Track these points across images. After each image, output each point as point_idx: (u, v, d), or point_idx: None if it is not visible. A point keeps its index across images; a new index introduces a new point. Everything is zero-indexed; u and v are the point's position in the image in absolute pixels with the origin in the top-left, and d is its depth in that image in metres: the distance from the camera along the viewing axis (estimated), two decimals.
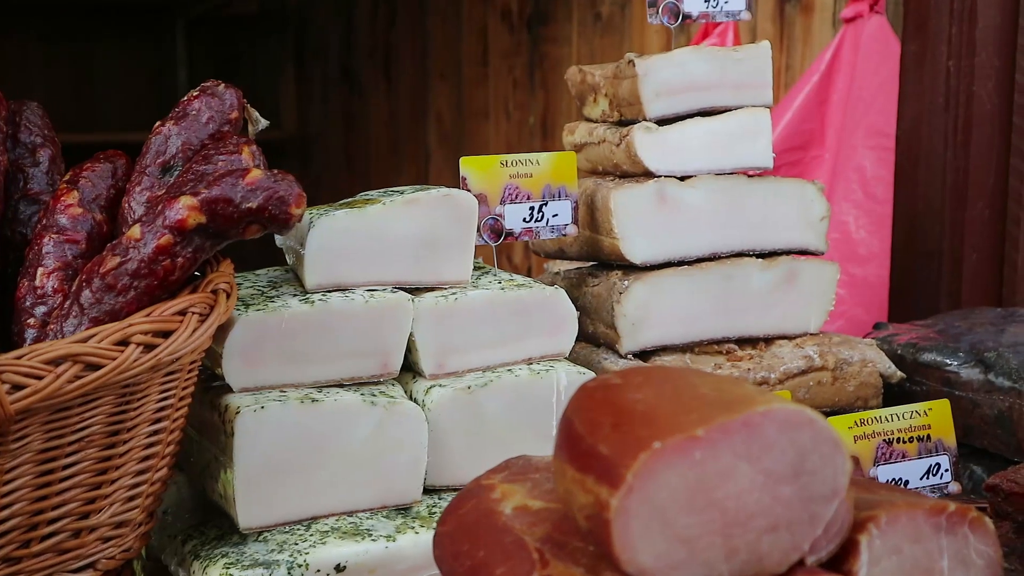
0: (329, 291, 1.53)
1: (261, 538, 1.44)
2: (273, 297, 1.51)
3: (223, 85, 1.48)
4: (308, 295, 1.51)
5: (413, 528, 1.47)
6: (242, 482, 1.42)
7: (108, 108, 6.52)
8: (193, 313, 1.29)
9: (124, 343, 1.23)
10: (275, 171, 1.30)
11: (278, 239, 1.62)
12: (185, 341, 1.27)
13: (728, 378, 1.11)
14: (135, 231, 1.28)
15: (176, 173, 1.43)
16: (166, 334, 1.27)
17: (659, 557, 0.89)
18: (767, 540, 0.92)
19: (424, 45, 5.31)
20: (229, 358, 1.45)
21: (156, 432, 1.32)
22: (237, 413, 1.41)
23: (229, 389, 1.47)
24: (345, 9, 6.02)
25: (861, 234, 2.80)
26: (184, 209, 1.27)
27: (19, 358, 1.17)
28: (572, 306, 1.65)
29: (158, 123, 1.46)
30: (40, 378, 1.17)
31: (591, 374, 1.63)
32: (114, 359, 1.22)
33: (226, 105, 1.47)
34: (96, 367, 1.21)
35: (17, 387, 1.16)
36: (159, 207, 1.29)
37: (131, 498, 1.33)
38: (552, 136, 4.37)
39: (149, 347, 1.25)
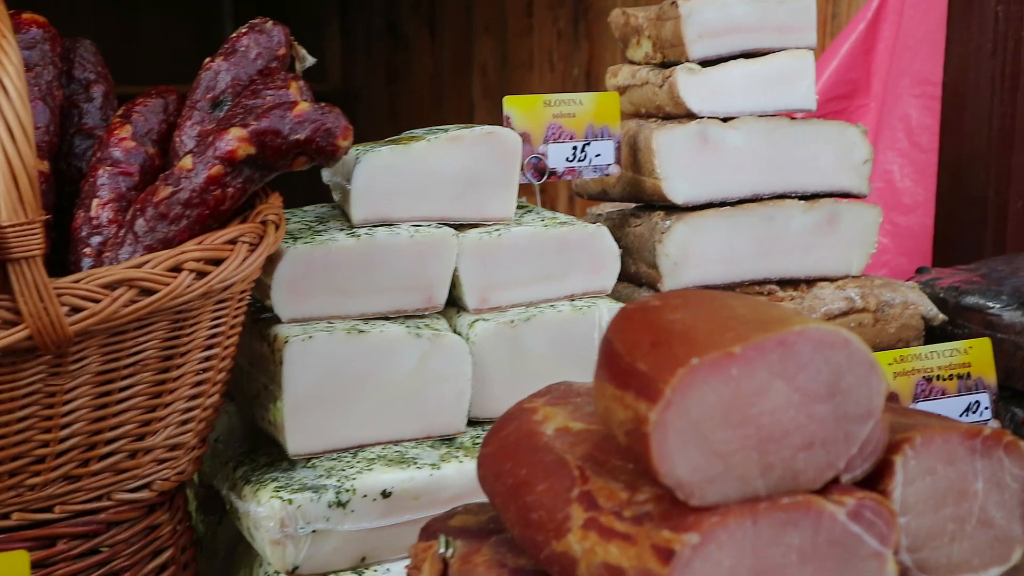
0: (375, 226, 1.56)
1: (309, 464, 1.48)
2: (320, 231, 1.54)
3: (271, 22, 1.50)
4: (354, 230, 1.54)
5: (457, 457, 1.50)
6: (291, 410, 1.46)
7: (155, 61, 6.57)
8: (243, 242, 1.32)
9: (177, 269, 1.27)
10: (322, 104, 1.33)
11: (325, 175, 1.64)
12: (236, 269, 1.30)
13: (764, 301, 1.13)
14: (186, 162, 1.32)
15: (226, 108, 1.45)
16: (217, 262, 1.30)
17: (696, 471, 0.91)
18: (802, 457, 0.94)
19: None
20: (278, 289, 1.48)
21: (208, 359, 1.36)
22: (286, 343, 1.45)
23: (278, 320, 1.51)
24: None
25: (906, 183, 2.79)
26: (234, 140, 1.30)
27: (76, 282, 1.21)
28: (614, 243, 1.67)
29: (208, 59, 1.49)
30: (97, 301, 1.21)
31: None
32: (167, 285, 1.25)
33: (274, 42, 1.49)
34: (150, 292, 1.25)
35: (76, 310, 1.20)
36: (210, 139, 1.32)
37: (184, 422, 1.37)
38: (597, 87, 4.36)
39: (201, 274, 1.28)
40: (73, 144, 1.50)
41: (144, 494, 1.36)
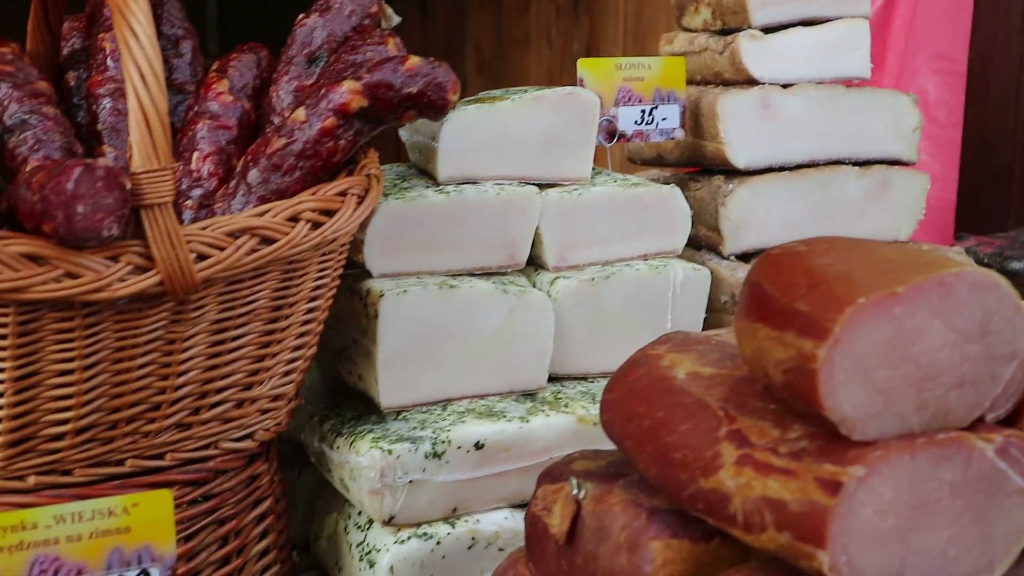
0: (459, 184, 1.58)
1: (401, 417, 1.50)
2: (407, 188, 1.56)
3: None
4: (442, 187, 1.56)
5: (543, 411, 1.53)
6: (384, 363, 1.47)
7: None
8: (352, 194, 1.34)
9: (294, 219, 1.28)
10: (432, 59, 1.34)
11: (404, 135, 1.66)
12: (347, 221, 1.32)
13: (907, 246, 1.16)
14: (299, 114, 1.33)
15: (322, 64, 1.47)
16: (329, 213, 1.32)
17: (858, 407, 0.94)
18: (954, 396, 0.98)
19: None
20: (371, 244, 1.50)
21: (311, 310, 1.37)
22: (381, 296, 1.46)
23: (366, 276, 1.52)
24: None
25: (923, 157, 2.85)
26: (348, 93, 1.32)
27: (203, 229, 1.22)
28: (686, 204, 1.70)
29: (301, 16, 1.50)
30: (222, 249, 1.22)
31: (705, 271, 1.69)
32: (286, 234, 1.27)
33: (367, 0, 1.50)
34: (270, 241, 1.26)
35: (202, 257, 1.21)
36: (322, 91, 1.33)
37: (287, 372, 1.38)
38: None
39: (316, 224, 1.30)
40: None
41: (247, 443, 1.37)
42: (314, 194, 1.31)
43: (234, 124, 1.43)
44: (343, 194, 1.33)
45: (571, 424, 1.52)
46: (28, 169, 1.20)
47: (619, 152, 2.07)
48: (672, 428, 1.09)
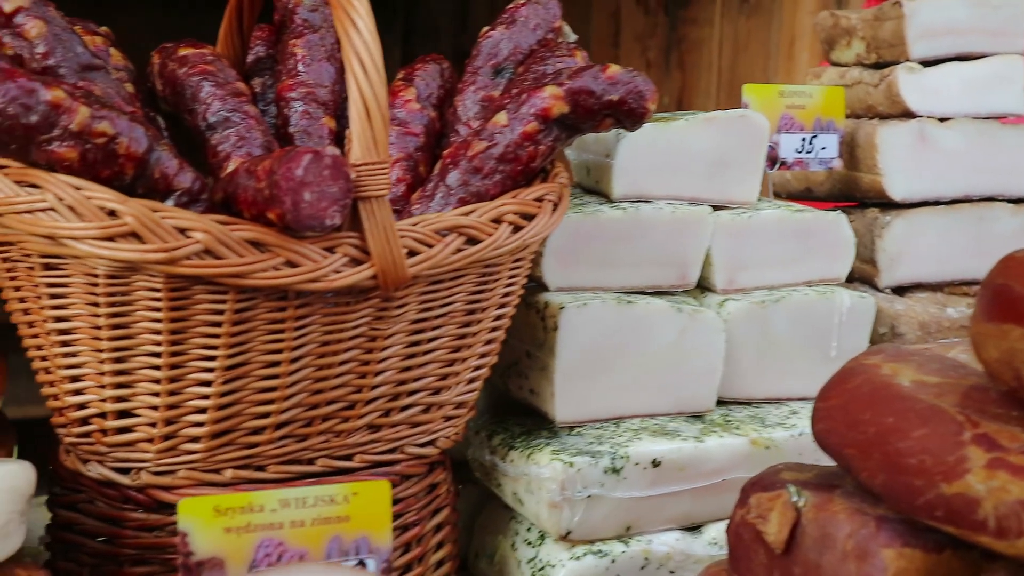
0: (632, 201, 1.57)
1: (575, 432, 1.48)
2: (582, 204, 1.55)
3: None
4: (617, 203, 1.55)
5: (715, 432, 1.50)
6: (562, 377, 1.46)
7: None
8: (548, 200, 1.33)
9: (498, 221, 1.28)
10: (630, 68, 1.34)
11: (571, 154, 1.66)
12: (545, 225, 1.31)
13: None
14: (501, 118, 1.33)
15: (507, 75, 1.47)
16: (528, 217, 1.31)
17: None
18: None
19: None
20: (549, 256, 1.49)
21: (499, 317, 1.36)
22: (561, 309, 1.45)
23: (541, 289, 1.51)
24: (461, 8, 6.07)
25: None
26: (549, 98, 1.32)
27: (414, 225, 1.21)
28: (851, 232, 1.68)
29: (486, 28, 1.51)
30: (430, 246, 1.22)
31: (871, 299, 1.66)
32: (490, 235, 1.26)
33: (550, 14, 1.51)
34: (474, 241, 1.26)
35: (411, 253, 1.21)
36: (523, 96, 1.33)
37: (471, 380, 1.37)
38: None
39: (516, 228, 1.29)
40: (344, 107, 1.51)
41: (429, 450, 1.36)
42: (515, 197, 1.30)
43: (421, 131, 1.44)
44: (540, 200, 1.32)
45: (744, 446, 1.49)
46: (243, 163, 1.20)
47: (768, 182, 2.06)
48: (904, 434, 1.06)
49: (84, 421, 1.22)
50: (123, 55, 1.41)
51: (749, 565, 1.18)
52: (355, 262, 1.17)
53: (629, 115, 1.34)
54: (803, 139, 1.79)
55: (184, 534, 1.02)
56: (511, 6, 1.52)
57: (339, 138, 1.46)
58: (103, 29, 1.44)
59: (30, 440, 1.42)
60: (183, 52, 1.38)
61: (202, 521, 1.02)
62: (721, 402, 1.61)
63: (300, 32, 1.45)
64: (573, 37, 1.57)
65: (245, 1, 1.45)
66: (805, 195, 2.01)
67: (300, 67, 1.43)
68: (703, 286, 1.64)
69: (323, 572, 0.97)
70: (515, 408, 1.60)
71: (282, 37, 1.48)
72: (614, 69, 1.33)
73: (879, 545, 1.05)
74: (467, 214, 1.25)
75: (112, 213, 1.10)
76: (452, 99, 1.49)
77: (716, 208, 1.63)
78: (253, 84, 1.50)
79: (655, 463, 1.44)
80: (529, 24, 1.50)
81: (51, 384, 1.23)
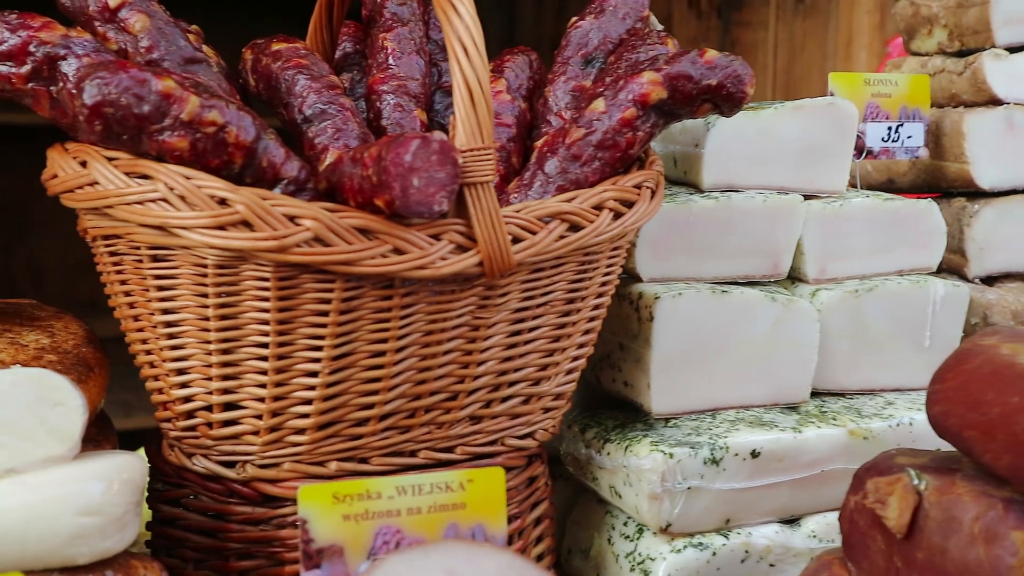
0: (722, 191, 1.55)
1: (671, 424, 1.46)
2: (672, 194, 1.54)
3: None
4: (708, 192, 1.54)
5: (812, 423, 1.48)
6: (657, 368, 1.44)
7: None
8: (647, 187, 1.32)
9: (599, 208, 1.26)
10: (727, 53, 1.33)
11: (655, 146, 1.64)
12: (644, 212, 1.30)
13: None
14: (598, 104, 1.32)
15: (598, 65, 1.46)
16: (628, 204, 1.30)
17: None
18: None
19: None
20: (642, 247, 1.48)
21: (597, 306, 1.35)
22: (656, 299, 1.44)
23: (633, 281, 1.50)
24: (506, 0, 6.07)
25: None
26: (648, 84, 1.30)
27: (518, 212, 1.20)
28: (943, 220, 1.66)
29: (575, 18, 1.50)
30: (534, 233, 1.21)
31: (965, 288, 1.63)
32: (591, 222, 1.25)
33: (639, 3, 1.50)
34: (577, 228, 1.25)
35: (516, 239, 1.20)
36: (620, 83, 1.32)
37: (570, 371, 1.36)
38: None
39: (617, 215, 1.28)
40: (434, 100, 1.51)
41: (528, 442, 1.34)
42: (614, 184, 1.29)
43: (512, 122, 1.43)
44: (639, 187, 1.31)
45: (842, 437, 1.47)
46: (347, 152, 1.20)
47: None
48: None
49: (190, 415, 1.22)
50: (215, 52, 1.42)
51: (866, 552, 1.16)
52: (461, 249, 1.16)
53: (727, 99, 1.32)
54: (889, 128, 1.77)
55: (304, 521, 1.01)
56: None
57: (429, 131, 1.45)
58: (193, 27, 1.44)
59: None
60: (276, 47, 1.38)
61: (321, 508, 1.02)
62: (814, 393, 1.58)
63: (390, 26, 1.45)
64: (659, 27, 1.56)
65: None
66: (887, 186, 1.98)
67: (391, 60, 1.42)
68: (793, 276, 1.62)
69: (466, 550, 0.95)
70: (604, 401, 1.58)
71: (371, 32, 1.47)
72: (712, 54, 1.32)
73: (1008, 527, 1.03)
74: (568, 200, 1.24)
75: (223, 202, 1.09)
76: (542, 90, 1.48)
77: (806, 197, 1.61)
78: (342, 79, 1.50)
79: (754, 454, 1.42)
80: (618, 13, 1.48)
81: (156, 378, 1.23)
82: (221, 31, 2.01)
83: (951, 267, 1.83)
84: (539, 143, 1.36)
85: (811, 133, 1.59)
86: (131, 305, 1.21)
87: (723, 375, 1.49)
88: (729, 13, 4.46)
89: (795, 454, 1.44)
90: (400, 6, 1.47)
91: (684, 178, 1.60)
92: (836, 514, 1.47)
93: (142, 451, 1.34)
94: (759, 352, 1.50)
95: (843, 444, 1.47)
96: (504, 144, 1.41)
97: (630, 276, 1.51)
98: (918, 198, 1.77)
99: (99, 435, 1.24)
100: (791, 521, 1.48)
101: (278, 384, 1.18)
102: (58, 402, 1.05)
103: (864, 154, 1.76)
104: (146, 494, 1.33)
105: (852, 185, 1.75)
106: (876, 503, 1.13)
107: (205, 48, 1.40)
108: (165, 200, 1.10)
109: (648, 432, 1.44)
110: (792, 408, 1.54)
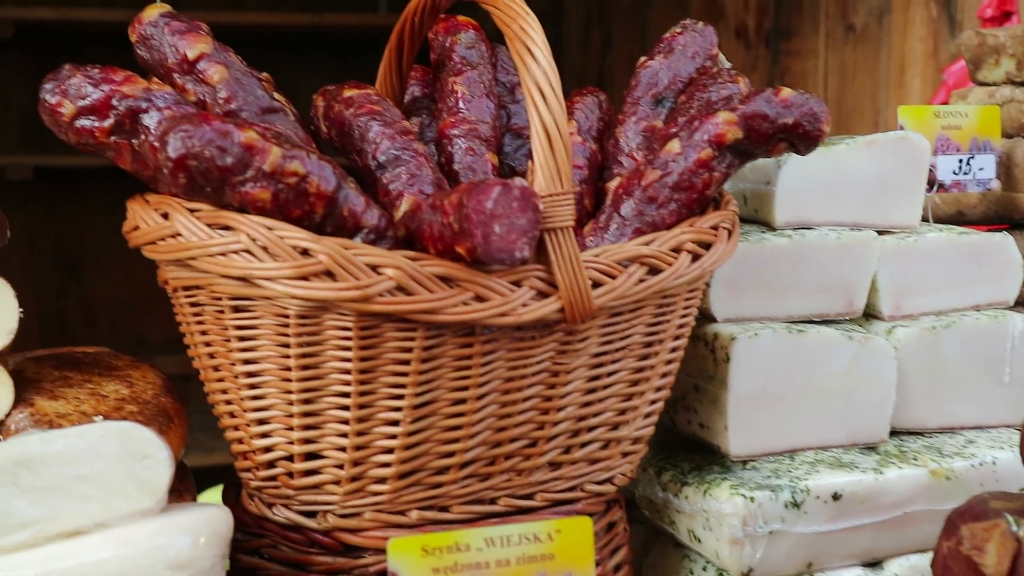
0: (794, 228, 1.54)
1: (750, 466, 1.44)
2: (744, 233, 1.52)
3: (702, 23, 1.50)
4: (782, 230, 1.52)
5: (893, 463, 1.46)
6: (735, 409, 1.43)
7: None
8: (724, 228, 1.31)
9: (677, 250, 1.25)
10: (802, 91, 1.32)
11: (725, 184, 1.63)
12: (722, 254, 1.29)
13: None
14: (674, 145, 1.31)
15: (668, 104, 1.45)
16: (705, 246, 1.29)
17: None
18: None
19: None
20: (716, 287, 1.46)
21: (674, 349, 1.34)
22: (733, 340, 1.42)
23: (707, 321, 1.48)
24: (552, 33, 6.09)
25: None
26: (724, 124, 1.29)
27: (596, 256, 1.19)
28: (1019, 254, 1.63)
29: (644, 58, 1.49)
30: (614, 277, 1.20)
31: None
32: (670, 264, 1.24)
33: (707, 41, 1.49)
34: (656, 271, 1.23)
35: (596, 284, 1.19)
36: (694, 123, 1.31)
37: (648, 414, 1.34)
38: None
39: (695, 257, 1.27)
40: (504, 143, 1.50)
41: (607, 488, 1.33)
42: (692, 225, 1.28)
43: (584, 164, 1.42)
44: (715, 228, 1.30)
45: (924, 477, 1.44)
46: (427, 199, 1.20)
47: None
48: None
49: (271, 464, 1.21)
50: (286, 99, 1.42)
51: None
52: (542, 295, 1.15)
53: (804, 138, 1.31)
54: (960, 160, 1.75)
55: (394, 574, 1.00)
56: (667, 35, 1.50)
57: (499, 174, 1.45)
58: (264, 75, 1.45)
59: None
60: (348, 93, 1.38)
61: (411, 561, 1.01)
62: (892, 432, 1.56)
63: (459, 70, 1.45)
64: (727, 65, 1.55)
65: (405, 41, 1.45)
66: (957, 219, 1.95)
67: (461, 104, 1.42)
68: (868, 313, 1.59)
69: None
70: (680, 443, 1.56)
71: (440, 76, 1.47)
72: (787, 92, 1.31)
73: None
74: (647, 243, 1.23)
75: (305, 252, 1.09)
76: (612, 131, 1.47)
77: (879, 233, 1.59)
78: (411, 123, 1.50)
79: (835, 496, 1.39)
80: (687, 52, 1.48)
81: (236, 428, 1.23)
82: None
83: None
84: (614, 185, 1.35)
85: (883, 168, 1.58)
86: (211, 355, 1.21)
87: (800, 415, 1.47)
88: (778, 43, 4.45)
89: (877, 496, 1.42)
90: (469, 49, 1.47)
91: (755, 216, 1.58)
92: (919, 556, 1.45)
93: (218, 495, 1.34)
94: (836, 391, 1.48)
95: (925, 484, 1.44)
96: (576, 186, 1.40)
97: (704, 316, 1.49)
98: (990, 230, 1.75)
99: (180, 484, 1.24)
100: (873, 564, 1.45)
101: (360, 433, 1.17)
102: (145, 455, 1.05)
103: (936, 187, 1.74)
104: None
105: (924, 219, 1.73)
106: (973, 550, 1.11)
107: (277, 96, 1.41)
108: (248, 251, 1.10)
109: (727, 475, 1.42)
110: (871, 448, 1.51)
